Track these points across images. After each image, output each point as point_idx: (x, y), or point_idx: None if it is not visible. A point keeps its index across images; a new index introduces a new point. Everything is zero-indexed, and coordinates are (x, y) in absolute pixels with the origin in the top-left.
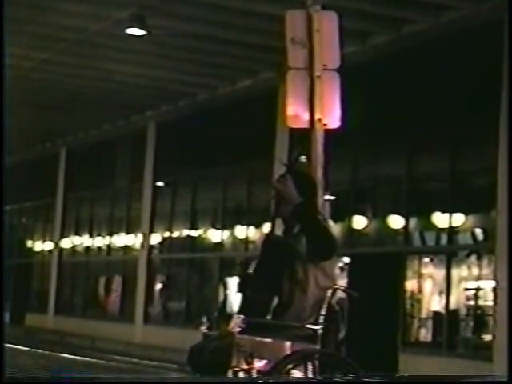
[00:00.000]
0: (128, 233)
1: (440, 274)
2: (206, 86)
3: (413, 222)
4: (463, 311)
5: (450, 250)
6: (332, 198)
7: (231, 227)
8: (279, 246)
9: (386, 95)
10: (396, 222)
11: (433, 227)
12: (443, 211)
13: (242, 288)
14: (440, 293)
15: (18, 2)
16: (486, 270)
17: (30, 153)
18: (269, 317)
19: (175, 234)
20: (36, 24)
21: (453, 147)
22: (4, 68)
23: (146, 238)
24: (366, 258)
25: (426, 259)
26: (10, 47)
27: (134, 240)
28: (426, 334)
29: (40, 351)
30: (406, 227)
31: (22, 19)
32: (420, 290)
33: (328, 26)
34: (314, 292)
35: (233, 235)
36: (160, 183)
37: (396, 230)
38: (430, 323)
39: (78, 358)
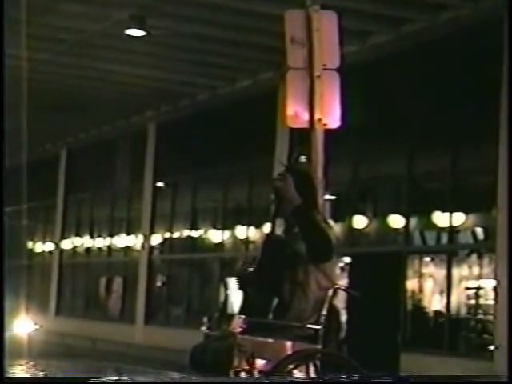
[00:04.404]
0: (128, 233)
1: (441, 273)
2: (205, 86)
3: (413, 221)
4: (464, 310)
5: (450, 250)
6: (332, 197)
7: (232, 227)
8: (280, 245)
9: (386, 95)
10: (396, 221)
11: (433, 226)
12: (443, 210)
13: (240, 286)
14: (441, 292)
15: (18, 3)
16: (486, 269)
17: (31, 154)
18: (270, 317)
19: (176, 235)
20: (36, 25)
21: (453, 146)
22: (4, 69)
23: (147, 238)
24: (366, 257)
25: (427, 258)
26: (10, 48)
27: (135, 241)
28: (426, 334)
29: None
30: (406, 227)
31: (21, 20)
32: (421, 290)
33: (327, 25)
34: (315, 292)
35: (233, 235)
36: (160, 184)
37: (396, 230)
38: (430, 322)
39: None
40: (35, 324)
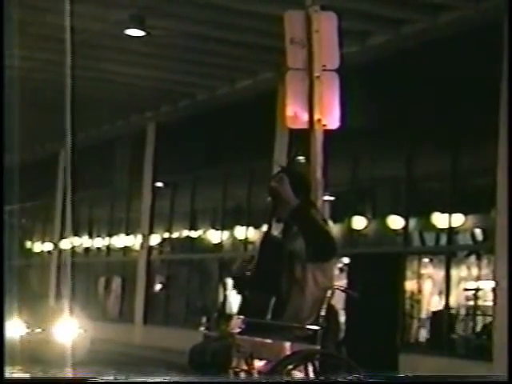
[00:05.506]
0: (127, 233)
1: (439, 274)
2: (205, 86)
3: (412, 222)
4: (463, 311)
5: (449, 251)
6: (332, 198)
7: (231, 228)
8: (277, 246)
9: (386, 95)
10: (395, 222)
11: (432, 227)
12: (443, 211)
13: (238, 289)
14: (439, 293)
15: (19, 3)
16: (485, 270)
17: (30, 153)
18: (268, 317)
19: (175, 235)
20: (36, 25)
21: (452, 147)
22: (5, 69)
23: (146, 238)
24: (365, 258)
25: (426, 259)
26: (11, 48)
27: (134, 241)
28: (425, 335)
29: None
30: (405, 227)
31: (22, 20)
32: (419, 291)
33: (327, 26)
34: (313, 292)
35: (232, 236)
36: (159, 184)
37: (395, 231)
38: (429, 323)
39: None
40: (79, 328)
